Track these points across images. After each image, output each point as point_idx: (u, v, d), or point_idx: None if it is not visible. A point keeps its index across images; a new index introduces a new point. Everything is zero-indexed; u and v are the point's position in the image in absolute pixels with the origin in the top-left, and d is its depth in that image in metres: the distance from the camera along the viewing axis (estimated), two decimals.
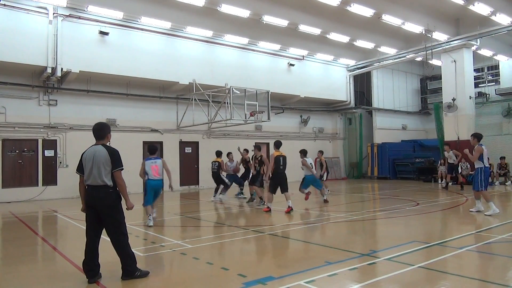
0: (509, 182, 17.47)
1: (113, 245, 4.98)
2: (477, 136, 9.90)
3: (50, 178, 15.49)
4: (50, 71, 14.36)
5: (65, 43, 14.63)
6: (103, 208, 4.88)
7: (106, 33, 15.40)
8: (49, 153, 15.52)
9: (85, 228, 5.04)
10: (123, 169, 4.99)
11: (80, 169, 5.00)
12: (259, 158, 12.23)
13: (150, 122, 17.80)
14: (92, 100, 16.39)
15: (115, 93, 16.79)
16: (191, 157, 19.12)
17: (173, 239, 7.36)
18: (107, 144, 5.07)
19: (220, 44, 18.77)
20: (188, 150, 19.11)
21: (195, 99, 17.14)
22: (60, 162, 15.62)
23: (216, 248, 6.86)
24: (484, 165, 9.67)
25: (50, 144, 15.57)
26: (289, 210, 10.30)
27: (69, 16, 14.76)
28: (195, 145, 19.26)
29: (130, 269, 4.94)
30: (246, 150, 14.04)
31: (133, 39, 16.25)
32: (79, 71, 14.89)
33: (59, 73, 14.56)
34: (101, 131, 5.06)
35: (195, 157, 19.20)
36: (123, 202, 5.03)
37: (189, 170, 18.91)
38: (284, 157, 10.62)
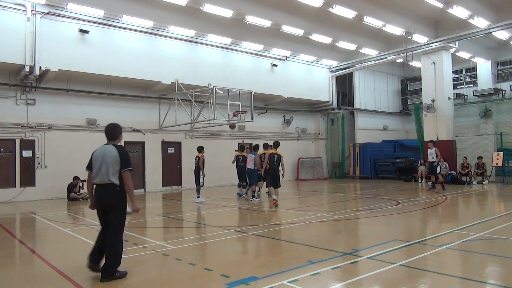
0: (486, 181, 17.92)
1: (106, 242, 4.96)
2: None
3: (28, 179, 15.11)
4: (28, 70, 14.01)
5: (44, 41, 14.30)
6: (108, 206, 4.98)
7: (86, 32, 15.13)
8: (27, 153, 15.13)
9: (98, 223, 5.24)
10: (131, 169, 5.03)
11: (89, 166, 5.14)
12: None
13: (132, 122, 17.57)
14: (71, 99, 16.07)
15: (95, 92, 16.51)
16: (173, 158, 18.96)
17: (155, 240, 7.28)
18: (118, 144, 5.19)
19: (203, 44, 18.68)
20: (170, 150, 18.95)
21: (177, 99, 17.02)
22: (39, 163, 15.25)
23: (199, 249, 6.82)
24: None
25: (28, 144, 15.19)
26: (274, 203, 11.21)
27: (48, 13, 14.43)
28: (177, 145, 19.11)
29: (111, 271, 4.90)
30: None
31: (114, 38, 16.01)
32: (58, 69, 14.58)
33: (37, 72, 14.22)
34: (113, 132, 5.22)
35: (178, 158, 19.06)
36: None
37: (171, 171, 18.76)
38: (279, 156, 11.70)
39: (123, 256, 5.18)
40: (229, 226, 8.66)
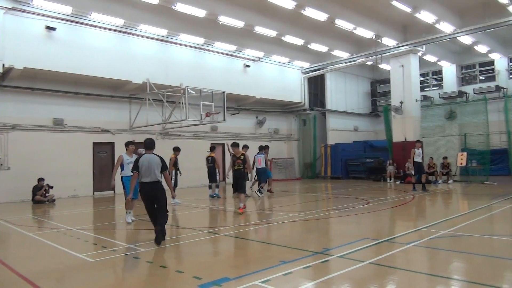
0: (451, 180, 18.57)
1: (159, 219, 6.94)
2: None
3: None
4: None
5: (8, 38, 13.72)
6: (157, 195, 7.02)
7: (53, 28, 14.64)
8: None
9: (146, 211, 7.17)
10: (168, 169, 7.45)
11: (136, 168, 7.09)
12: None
13: (101, 122, 17.13)
14: (37, 98, 15.49)
15: (62, 91, 15.98)
16: None
17: (125, 243, 7.12)
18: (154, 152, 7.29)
19: (175, 43, 18.47)
20: (141, 151, 18.49)
21: (149, 99, 16.73)
22: (1, 164, 14.60)
23: (171, 251, 6.72)
24: None
25: None
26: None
27: (12, 9, 13.86)
28: None
29: (164, 232, 6.93)
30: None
31: (82, 36, 15.57)
32: (23, 67, 14.03)
33: (0, 70, 13.65)
34: (152, 144, 7.41)
35: None
36: None
37: None
38: (244, 157, 10.99)
39: (89, 259, 5.03)
40: (202, 227, 8.59)
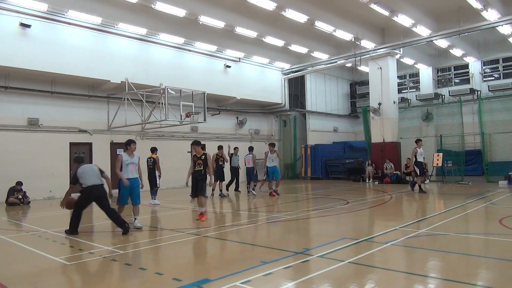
0: (428, 180, 18.96)
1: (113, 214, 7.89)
2: None
3: None
4: None
5: None
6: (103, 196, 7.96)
7: (28, 26, 14.25)
8: None
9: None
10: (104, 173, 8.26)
11: (75, 179, 7.99)
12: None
13: (78, 122, 16.77)
14: (11, 97, 15.04)
15: (38, 90, 15.57)
16: None
17: (103, 245, 6.98)
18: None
19: (154, 43, 18.26)
20: (120, 151, 18.27)
21: (127, 98, 16.49)
22: None
23: (150, 252, 6.63)
24: None
25: None
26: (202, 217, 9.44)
27: None
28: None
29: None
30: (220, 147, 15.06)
31: (59, 33, 15.21)
32: None
33: None
34: (82, 159, 8.49)
35: None
36: None
37: None
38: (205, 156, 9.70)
39: (66, 262, 4.91)
40: (181, 228, 8.51)
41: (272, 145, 14.89)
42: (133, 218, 8.55)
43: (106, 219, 8.18)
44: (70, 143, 16.48)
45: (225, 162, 14.97)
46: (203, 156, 9.61)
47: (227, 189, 15.75)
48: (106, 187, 8.16)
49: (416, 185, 14.61)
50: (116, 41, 16.91)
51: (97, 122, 17.41)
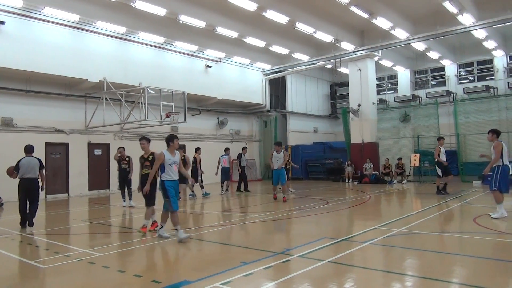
0: (405, 180, 19.35)
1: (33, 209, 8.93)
2: (496, 132, 8.65)
3: None
4: None
5: None
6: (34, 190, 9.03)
7: (2, 22, 13.83)
8: None
9: None
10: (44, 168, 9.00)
11: (16, 169, 8.98)
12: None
13: (54, 122, 16.37)
14: None
15: (12, 89, 15.11)
16: (101, 160, 17.99)
17: (79, 248, 6.82)
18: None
19: (134, 42, 18.00)
20: (98, 152, 17.96)
21: (106, 98, 16.19)
22: None
23: (128, 254, 6.52)
24: (503, 163, 8.43)
25: None
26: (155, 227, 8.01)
27: None
28: (105, 146, 18.17)
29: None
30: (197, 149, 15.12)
31: (34, 31, 14.81)
32: None
33: None
34: (31, 148, 9.34)
35: (106, 160, 18.10)
36: None
37: (98, 174, 17.76)
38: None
39: (41, 266, 4.78)
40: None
41: (278, 144, 13.39)
42: (175, 229, 7.17)
43: (84, 220, 8.02)
44: (46, 143, 16.06)
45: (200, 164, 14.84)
46: (151, 157, 8.13)
47: (239, 189, 16.43)
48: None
49: (441, 186, 13.35)
50: (94, 40, 16.58)
51: (74, 122, 17.04)
